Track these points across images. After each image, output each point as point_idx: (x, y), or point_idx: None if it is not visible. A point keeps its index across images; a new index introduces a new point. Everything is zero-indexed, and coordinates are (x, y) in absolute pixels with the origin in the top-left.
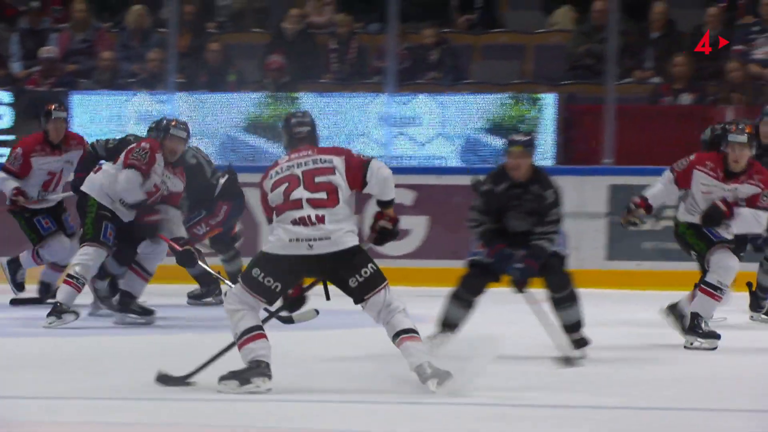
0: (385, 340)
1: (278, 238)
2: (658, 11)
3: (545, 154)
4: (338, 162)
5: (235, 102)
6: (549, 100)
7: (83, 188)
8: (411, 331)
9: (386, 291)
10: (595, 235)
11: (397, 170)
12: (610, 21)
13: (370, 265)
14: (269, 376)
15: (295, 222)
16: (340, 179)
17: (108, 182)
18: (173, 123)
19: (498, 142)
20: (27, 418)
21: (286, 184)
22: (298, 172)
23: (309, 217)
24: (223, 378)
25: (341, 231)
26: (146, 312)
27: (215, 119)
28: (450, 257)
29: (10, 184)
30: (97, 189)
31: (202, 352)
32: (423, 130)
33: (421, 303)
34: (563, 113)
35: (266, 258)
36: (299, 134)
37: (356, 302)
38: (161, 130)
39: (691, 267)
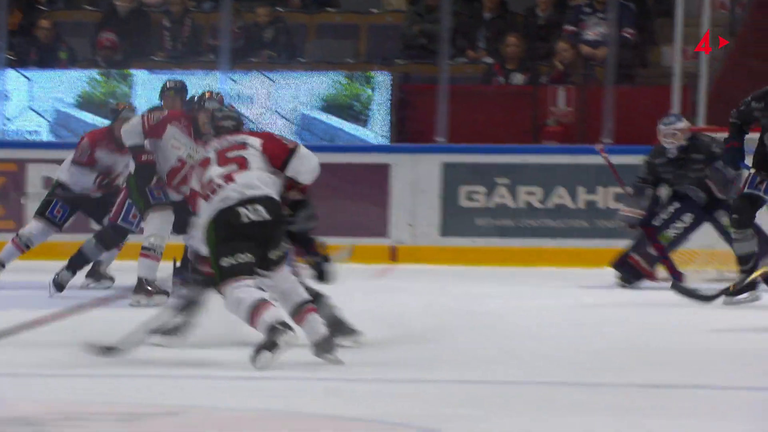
0: None
1: (206, 214)
2: None
3: (381, 132)
4: (253, 141)
5: (67, 79)
6: (383, 80)
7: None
8: (310, 302)
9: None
10: (429, 213)
11: None
12: (443, 1)
13: (285, 240)
14: (290, 328)
15: (210, 193)
16: (252, 154)
17: None
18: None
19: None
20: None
21: (200, 169)
22: (212, 153)
23: (219, 184)
24: (253, 356)
25: (255, 185)
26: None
27: (46, 96)
28: None
29: (89, 178)
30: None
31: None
32: (256, 108)
33: None
34: (397, 92)
35: (218, 236)
36: (225, 128)
37: (266, 269)
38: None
39: (527, 244)
